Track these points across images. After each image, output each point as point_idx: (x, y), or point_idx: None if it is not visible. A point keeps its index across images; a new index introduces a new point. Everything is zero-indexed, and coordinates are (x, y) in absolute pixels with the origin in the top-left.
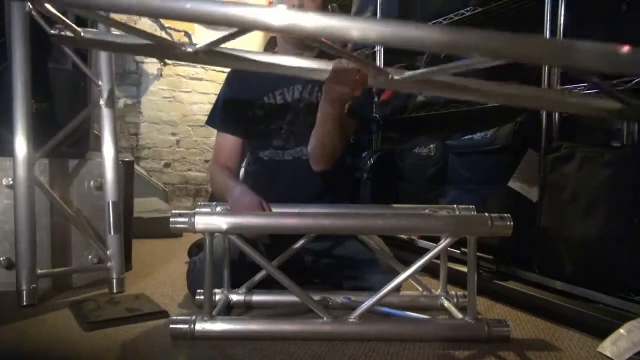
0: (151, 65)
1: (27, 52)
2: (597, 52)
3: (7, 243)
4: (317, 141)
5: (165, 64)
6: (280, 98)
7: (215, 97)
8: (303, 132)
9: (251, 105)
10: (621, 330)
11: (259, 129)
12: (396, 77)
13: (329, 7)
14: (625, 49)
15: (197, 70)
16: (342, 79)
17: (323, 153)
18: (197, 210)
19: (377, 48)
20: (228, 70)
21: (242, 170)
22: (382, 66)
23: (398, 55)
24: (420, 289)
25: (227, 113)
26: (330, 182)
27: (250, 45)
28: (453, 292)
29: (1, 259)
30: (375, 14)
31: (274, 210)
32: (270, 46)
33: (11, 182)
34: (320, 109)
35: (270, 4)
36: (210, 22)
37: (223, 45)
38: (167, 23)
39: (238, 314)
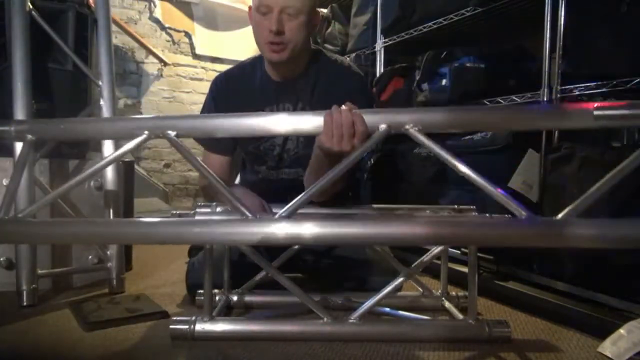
0: (151, 65)
1: (27, 52)
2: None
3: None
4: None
5: (165, 64)
6: None
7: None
8: (297, 152)
9: None
10: (621, 330)
11: (248, 150)
12: None
13: (329, 6)
14: None
15: (197, 70)
16: (335, 133)
17: (321, 193)
18: (197, 210)
19: (377, 48)
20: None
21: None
22: (383, 67)
23: (398, 55)
24: (421, 290)
25: None
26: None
27: (250, 46)
28: (453, 293)
29: (1, 259)
30: (375, 14)
31: (274, 210)
32: None
33: None
34: (313, 156)
35: (250, 17)
36: None
37: (223, 48)
38: (167, 23)
39: (238, 314)
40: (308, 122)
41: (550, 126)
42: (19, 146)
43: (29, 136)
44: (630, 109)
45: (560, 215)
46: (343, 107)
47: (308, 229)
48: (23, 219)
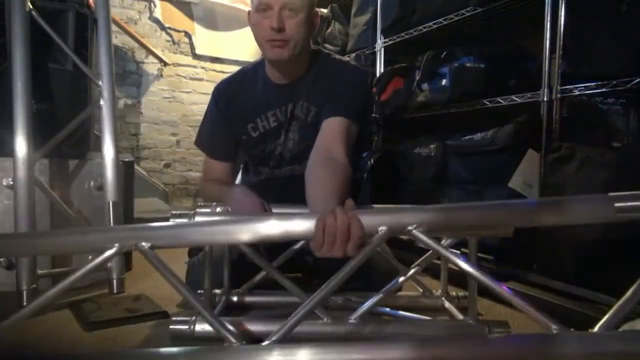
0: (151, 65)
1: (27, 52)
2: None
3: None
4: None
5: (165, 64)
6: (274, 120)
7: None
8: (296, 150)
9: (241, 131)
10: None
11: (252, 154)
12: None
13: (330, 6)
14: None
15: (197, 70)
16: (327, 241)
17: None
18: (197, 210)
19: (377, 48)
20: (228, 70)
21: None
22: (383, 67)
23: (398, 55)
24: (421, 290)
25: (215, 137)
26: None
27: (250, 46)
28: (453, 293)
29: (1, 259)
30: (375, 14)
31: (274, 210)
32: None
33: (11, 182)
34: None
35: (249, 18)
36: None
37: (223, 48)
38: (167, 23)
39: (238, 314)
40: (299, 225)
41: (561, 222)
42: (19, 146)
43: None
44: None
45: (596, 328)
46: (338, 209)
47: (302, 357)
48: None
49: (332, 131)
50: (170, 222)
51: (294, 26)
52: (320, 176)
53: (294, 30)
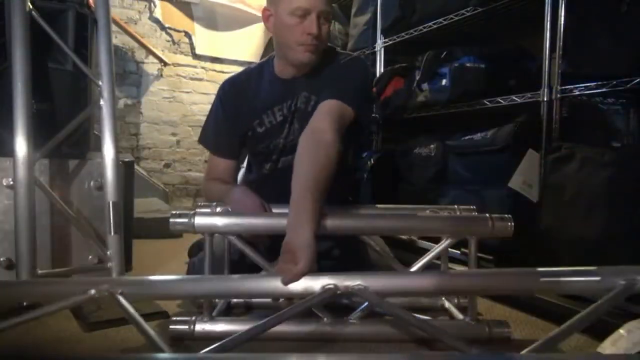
0: (151, 65)
1: (27, 52)
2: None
3: (7, 243)
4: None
5: (165, 64)
6: (280, 114)
7: (214, 98)
8: (297, 139)
9: (247, 127)
10: (621, 331)
11: (257, 151)
12: None
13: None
14: None
15: (197, 70)
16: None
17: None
18: (197, 210)
19: (377, 48)
20: (228, 70)
21: (240, 173)
22: (383, 67)
23: (398, 55)
24: None
25: (220, 136)
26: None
27: (250, 46)
28: None
29: (1, 259)
30: (375, 14)
31: (274, 210)
32: (271, 47)
33: (11, 182)
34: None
35: (268, 17)
36: None
37: (223, 48)
38: (167, 23)
39: (238, 315)
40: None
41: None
42: (19, 146)
43: None
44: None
45: (525, 350)
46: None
47: None
48: None
49: (323, 111)
50: (139, 277)
51: (325, 32)
52: (302, 152)
53: (324, 37)
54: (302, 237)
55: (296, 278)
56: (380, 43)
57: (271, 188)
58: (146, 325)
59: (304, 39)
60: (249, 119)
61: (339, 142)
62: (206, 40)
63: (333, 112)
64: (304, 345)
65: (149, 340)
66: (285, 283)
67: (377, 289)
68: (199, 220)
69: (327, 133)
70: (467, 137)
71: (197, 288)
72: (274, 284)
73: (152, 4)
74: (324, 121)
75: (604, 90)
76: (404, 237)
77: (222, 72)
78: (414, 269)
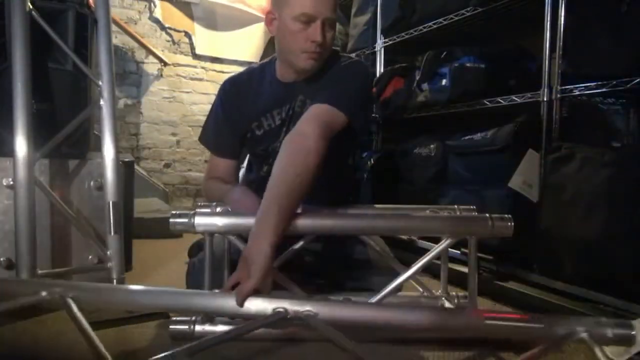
0: (151, 65)
1: (27, 52)
2: None
3: (7, 243)
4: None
5: (165, 64)
6: (278, 118)
7: (215, 97)
8: None
9: (246, 129)
10: None
11: (256, 152)
12: None
13: None
14: None
15: (197, 70)
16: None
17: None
18: (197, 210)
19: (377, 48)
20: (228, 70)
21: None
22: (383, 67)
23: (398, 55)
24: (421, 290)
25: (220, 136)
26: (330, 182)
27: (250, 46)
28: (453, 293)
29: (1, 259)
30: (375, 14)
31: None
32: (271, 47)
33: (11, 182)
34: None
35: (272, 20)
36: None
37: (223, 48)
38: (167, 23)
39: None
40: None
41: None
42: (19, 146)
43: None
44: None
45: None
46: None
47: None
48: None
49: (310, 115)
50: (94, 284)
51: (330, 39)
52: (281, 157)
53: (328, 44)
54: (259, 247)
55: (246, 296)
56: (380, 43)
57: None
58: (92, 333)
59: (308, 46)
60: (248, 121)
61: (323, 148)
62: (206, 40)
63: (321, 116)
64: (304, 345)
65: (91, 347)
66: (239, 303)
67: (326, 317)
68: (199, 220)
69: (310, 139)
70: (467, 137)
71: (150, 300)
72: (228, 302)
73: (152, 4)
74: (308, 126)
75: (604, 90)
76: (404, 237)
77: (222, 72)
78: (414, 269)
